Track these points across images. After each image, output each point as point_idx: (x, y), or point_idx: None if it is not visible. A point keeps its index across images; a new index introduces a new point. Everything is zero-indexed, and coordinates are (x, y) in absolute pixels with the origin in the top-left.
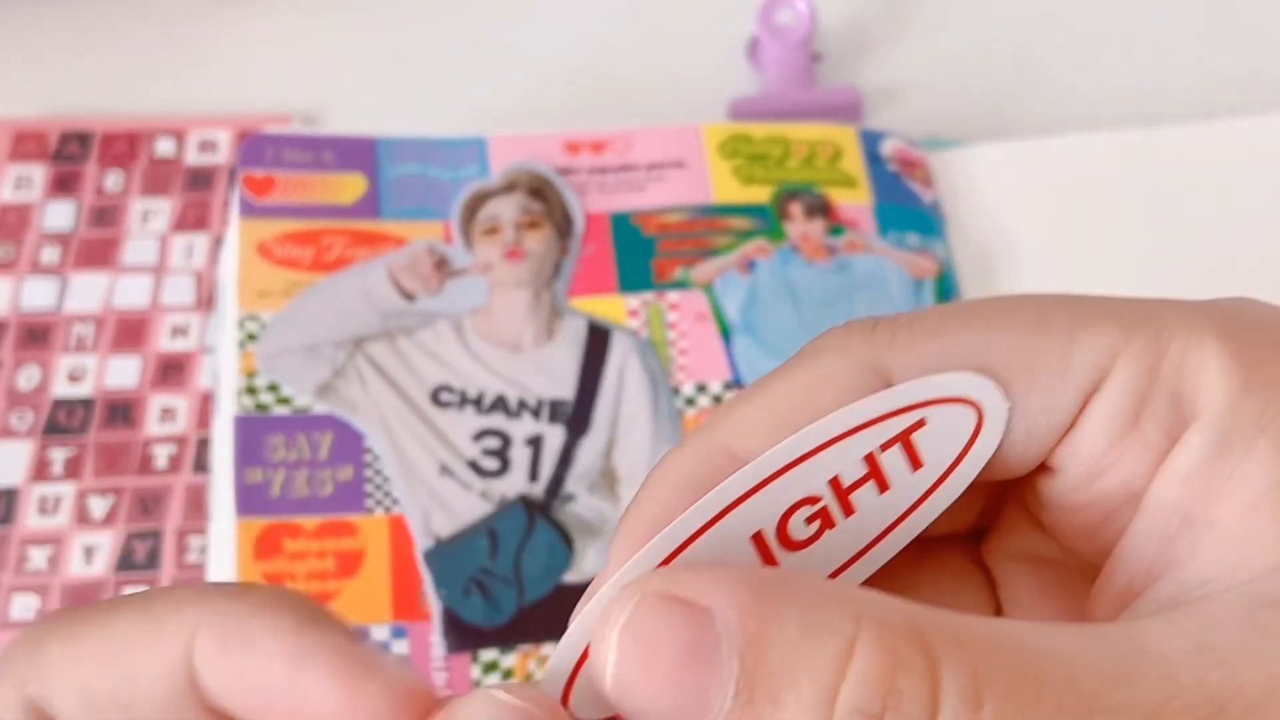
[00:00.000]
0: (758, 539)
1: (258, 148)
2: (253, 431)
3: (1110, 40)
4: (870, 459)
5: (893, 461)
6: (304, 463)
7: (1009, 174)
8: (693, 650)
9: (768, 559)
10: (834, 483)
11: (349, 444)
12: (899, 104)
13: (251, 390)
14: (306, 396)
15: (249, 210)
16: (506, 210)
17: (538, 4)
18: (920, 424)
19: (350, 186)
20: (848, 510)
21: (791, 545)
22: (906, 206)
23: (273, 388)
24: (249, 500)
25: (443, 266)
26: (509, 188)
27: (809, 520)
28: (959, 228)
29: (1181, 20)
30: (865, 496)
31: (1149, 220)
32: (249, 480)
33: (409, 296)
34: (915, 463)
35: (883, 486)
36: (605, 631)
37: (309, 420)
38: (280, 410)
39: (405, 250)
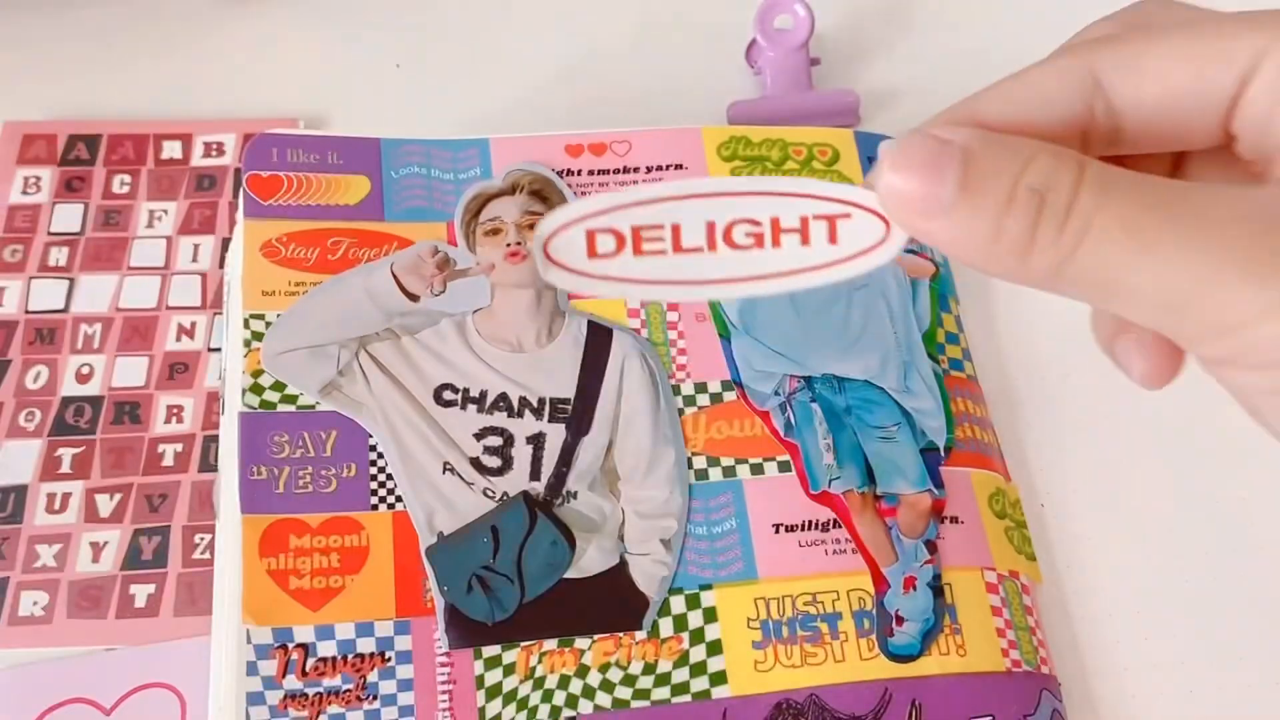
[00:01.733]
0: (710, 226)
1: (262, 149)
2: (258, 429)
3: None
4: (804, 220)
5: (818, 230)
6: (308, 460)
7: None
8: (935, 155)
9: (711, 244)
10: (774, 221)
11: (353, 442)
12: (896, 107)
13: (257, 388)
14: (311, 395)
15: (254, 210)
16: (509, 211)
17: (540, 8)
18: (847, 216)
19: (355, 187)
20: (775, 243)
21: (729, 243)
22: None
23: (278, 386)
24: (254, 497)
25: (446, 267)
26: (511, 189)
27: (747, 235)
28: None
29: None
30: (790, 241)
31: None
32: (254, 477)
33: (413, 297)
34: (833, 239)
35: (805, 241)
36: (883, 149)
37: (314, 418)
38: (285, 408)
39: (409, 251)
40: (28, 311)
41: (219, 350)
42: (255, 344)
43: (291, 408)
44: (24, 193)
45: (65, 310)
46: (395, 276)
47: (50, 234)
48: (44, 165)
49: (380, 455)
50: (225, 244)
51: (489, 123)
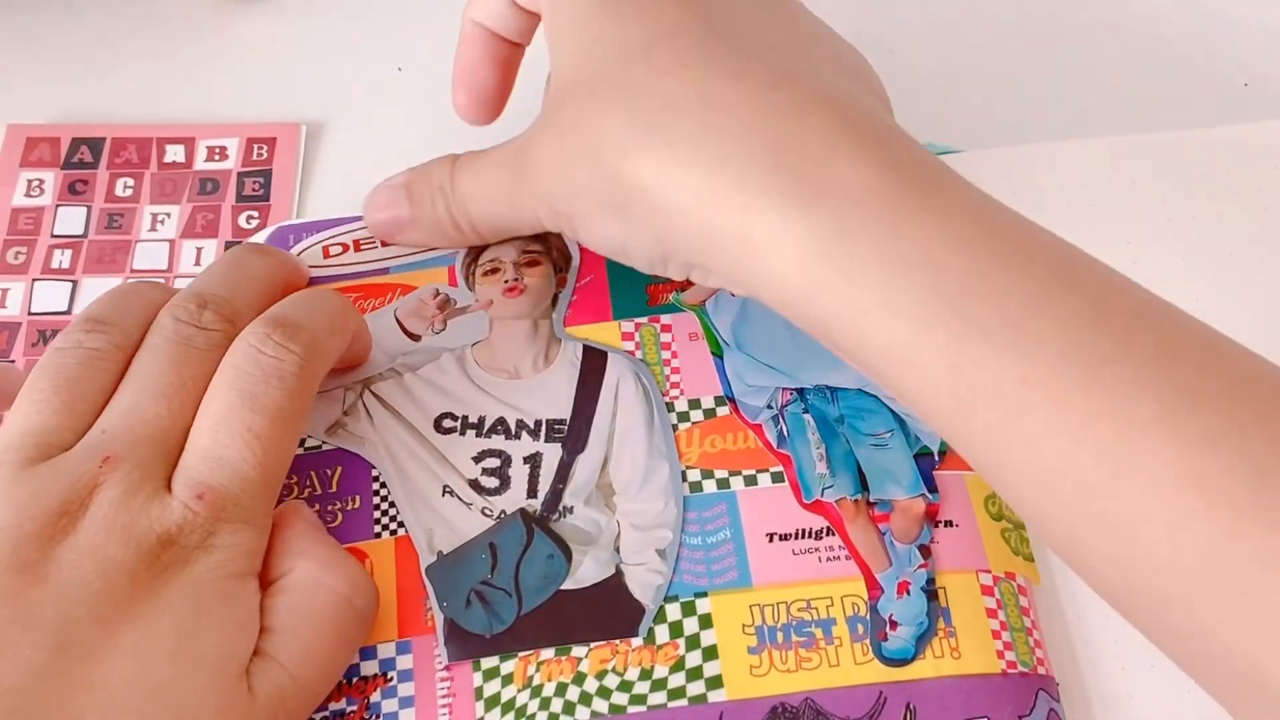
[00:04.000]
0: None
1: (280, 239)
2: None
3: (1098, 46)
4: None
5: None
6: (315, 498)
7: (997, 180)
8: (392, 195)
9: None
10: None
11: (357, 475)
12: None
13: None
14: (318, 436)
15: None
16: (507, 251)
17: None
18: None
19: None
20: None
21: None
22: None
23: None
24: None
25: (447, 307)
26: None
27: None
28: None
29: (1171, 26)
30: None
31: (1140, 227)
32: None
33: (414, 336)
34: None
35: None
36: (364, 202)
37: (320, 457)
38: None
39: (412, 295)
40: (30, 313)
41: None
42: None
43: (300, 451)
44: (27, 195)
45: (68, 312)
46: (399, 320)
47: (54, 236)
48: (47, 168)
49: (383, 485)
50: (228, 246)
51: (497, 124)
